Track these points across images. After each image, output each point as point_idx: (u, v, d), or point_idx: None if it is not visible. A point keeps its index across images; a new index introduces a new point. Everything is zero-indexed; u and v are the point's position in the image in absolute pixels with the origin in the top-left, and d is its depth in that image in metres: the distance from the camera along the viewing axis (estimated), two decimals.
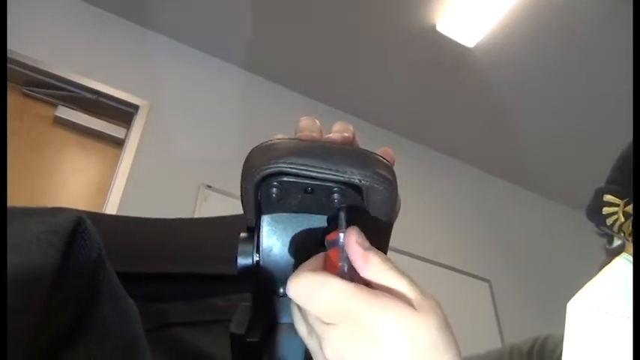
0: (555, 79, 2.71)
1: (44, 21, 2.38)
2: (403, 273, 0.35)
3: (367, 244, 0.36)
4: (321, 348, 0.33)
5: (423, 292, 0.34)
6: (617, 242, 0.58)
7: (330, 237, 0.36)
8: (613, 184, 0.58)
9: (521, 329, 2.65)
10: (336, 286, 0.33)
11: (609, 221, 0.55)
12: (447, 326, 0.34)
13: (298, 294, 0.34)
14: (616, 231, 0.55)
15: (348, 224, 0.36)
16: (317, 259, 0.37)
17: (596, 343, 0.44)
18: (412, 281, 0.35)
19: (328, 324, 0.33)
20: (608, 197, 0.56)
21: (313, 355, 0.35)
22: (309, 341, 0.35)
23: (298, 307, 0.36)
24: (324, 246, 0.37)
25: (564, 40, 2.50)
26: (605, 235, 0.59)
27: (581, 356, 0.44)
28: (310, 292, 0.33)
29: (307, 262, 0.36)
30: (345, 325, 0.32)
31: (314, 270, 0.35)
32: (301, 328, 0.36)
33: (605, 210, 0.56)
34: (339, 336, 0.32)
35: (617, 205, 0.55)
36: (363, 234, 0.36)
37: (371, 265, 0.35)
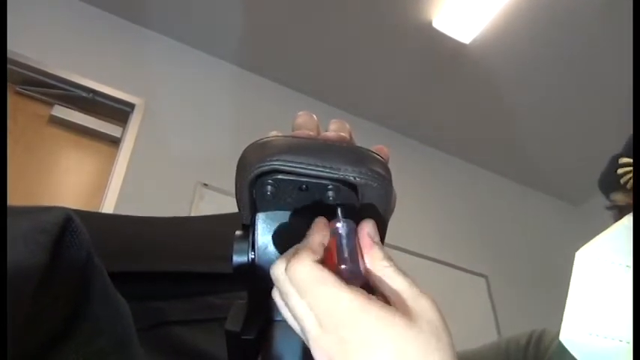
0: (552, 75, 2.72)
1: (39, 19, 2.37)
2: (404, 272, 0.35)
3: (377, 238, 0.36)
4: (306, 340, 0.33)
5: (419, 293, 0.34)
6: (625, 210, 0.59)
7: (329, 226, 0.37)
8: (630, 149, 0.59)
9: (518, 324, 2.65)
10: (335, 291, 0.33)
11: (623, 180, 0.56)
12: (443, 330, 0.33)
13: (297, 281, 0.33)
14: (629, 189, 0.55)
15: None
16: (317, 234, 0.37)
17: (600, 289, 0.46)
18: (410, 281, 0.35)
19: (320, 326, 0.33)
20: (624, 160, 0.57)
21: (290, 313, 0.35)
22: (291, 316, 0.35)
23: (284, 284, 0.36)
24: None
25: (561, 35, 2.51)
26: (615, 207, 0.60)
27: (585, 300, 0.46)
28: (310, 284, 0.33)
29: (308, 240, 0.36)
30: (338, 332, 0.32)
31: (315, 256, 0.35)
32: (279, 302, 0.36)
33: (620, 170, 0.57)
34: (330, 341, 0.32)
35: (631, 165, 0.56)
36: (376, 228, 0.36)
37: (375, 257, 0.35)
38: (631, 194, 0.56)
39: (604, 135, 2.59)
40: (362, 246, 0.36)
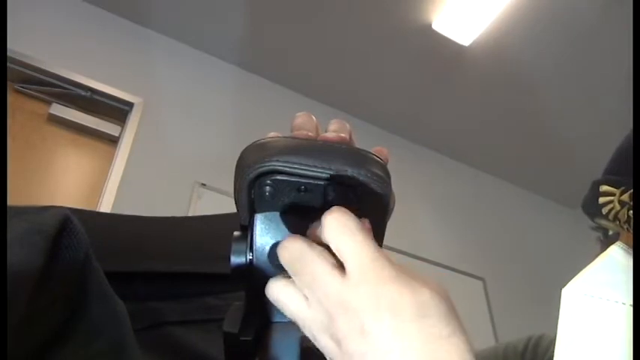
0: (552, 78, 2.72)
1: (38, 18, 2.36)
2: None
3: (353, 222, 0.34)
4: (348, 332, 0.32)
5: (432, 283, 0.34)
6: (611, 233, 0.58)
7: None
8: (610, 175, 0.59)
9: (516, 327, 2.66)
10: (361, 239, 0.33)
11: (605, 210, 0.56)
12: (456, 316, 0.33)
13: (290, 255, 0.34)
14: (611, 219, 0.55)
15: None
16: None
17: (589, 328, 0.45)
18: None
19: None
20: (604, 188, 0.57)
21: (327, 349, 0.34)
22: (332, 327, 0.33)
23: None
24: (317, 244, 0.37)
25: (561, 38, 2.51)
26: (600, 228, 0.60)
27: (574, 342, 0.45)
28: (341, 230, 0.33)
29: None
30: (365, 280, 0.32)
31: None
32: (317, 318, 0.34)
33: (601, 200, 0.57)
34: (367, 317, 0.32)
35: (613, 195, 0.56)
36: (348, 212, 0.35)
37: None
38: (615, 223, 0.55)
39: (603, 137, 2.59)
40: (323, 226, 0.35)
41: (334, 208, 0.34)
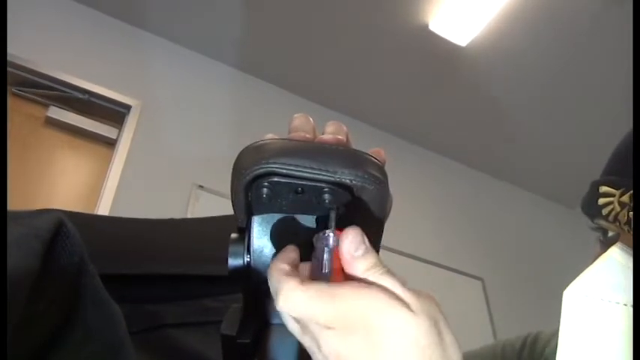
0: (549, 78, 2.72)
1: (35, 20, 2.36)
2: (391, 274, 0.35)
3: (360, 250, 0.35)
4: (318, 347, 0.33)
5: (415, 293, 0.34)
6: (611, 234, 0.58)
7: (320, 236, 0.36)
8: (609, 175, 0.58)
9: (514, 327, 2.66)
10: (326, 294, 0.33)
11: (605, 211, 0.56)
12: (443, 324, 0.33)
13: (289, 309, 0.33)
14: (611, 221, 0.55)
15: (339, 224, 0.36)
16: (289, 253, 0.37)
17: (590, 329, 0.45)
18: (402, 283, 0.34)
19: (323, 326, 0.33)
20: (604, 189, 0.57)
21: (309, 351, 0.35)
22: (305, 339, 0.35)
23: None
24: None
25: (557, 38, 2.51)
26: (599, 228, 0.60)
27: (576, 343, 0.45)
28: (303, 305, 0.33)
29: (280, 261, 0.36)
30: (340, 326, 0.32)
31: (290, 272, 0.35)
32: (293, 327, 0.35)
33: (601, 201, 0.56)
34: (334, 336, 0.32)
35: (613, 196, 0.55)
36: (361, 235, 0.35)
37: (356, 270, 0.34)
38: (615, 224, 0.55)
39: (601, 138, 2.59)
40: (342, 263, 0.35)
41: (280, 301, 0.34)
